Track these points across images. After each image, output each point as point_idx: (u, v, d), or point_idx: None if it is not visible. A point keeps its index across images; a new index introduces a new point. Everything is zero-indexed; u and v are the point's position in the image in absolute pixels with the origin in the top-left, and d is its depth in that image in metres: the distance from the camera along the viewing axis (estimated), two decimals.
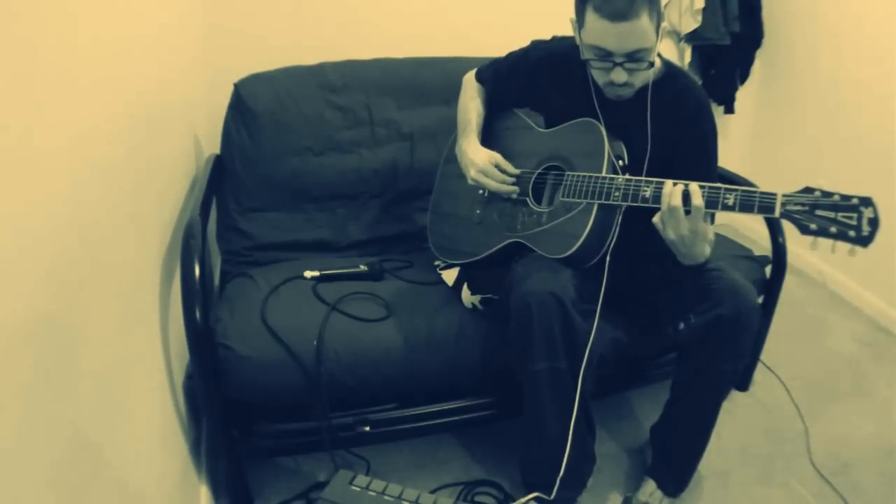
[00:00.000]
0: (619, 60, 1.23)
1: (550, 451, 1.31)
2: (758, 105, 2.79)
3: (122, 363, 1.00)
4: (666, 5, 2.43)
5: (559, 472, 1.30)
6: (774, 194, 1.09)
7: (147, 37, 1.32)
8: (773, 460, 1.67)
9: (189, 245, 1.26)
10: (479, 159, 1.47)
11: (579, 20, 1.25)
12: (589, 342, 1.27)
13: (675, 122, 1.34)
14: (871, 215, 1.02)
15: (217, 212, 1.74)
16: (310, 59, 1.85)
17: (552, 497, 1.30)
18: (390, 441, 1.63)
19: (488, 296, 1.47)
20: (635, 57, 1.22)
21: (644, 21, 1.17)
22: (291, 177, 1.75)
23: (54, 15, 0.82)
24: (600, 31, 1.20)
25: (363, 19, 2.09)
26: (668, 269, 1.34)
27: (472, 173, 1.47)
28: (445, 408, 1.52)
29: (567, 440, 1.29)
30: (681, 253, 1.28)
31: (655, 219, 1.23)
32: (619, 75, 1.24)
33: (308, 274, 1.55)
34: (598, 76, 1.30)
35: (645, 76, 1.28)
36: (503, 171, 1.45)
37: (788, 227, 1.13)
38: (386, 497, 1.04)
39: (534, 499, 1.33)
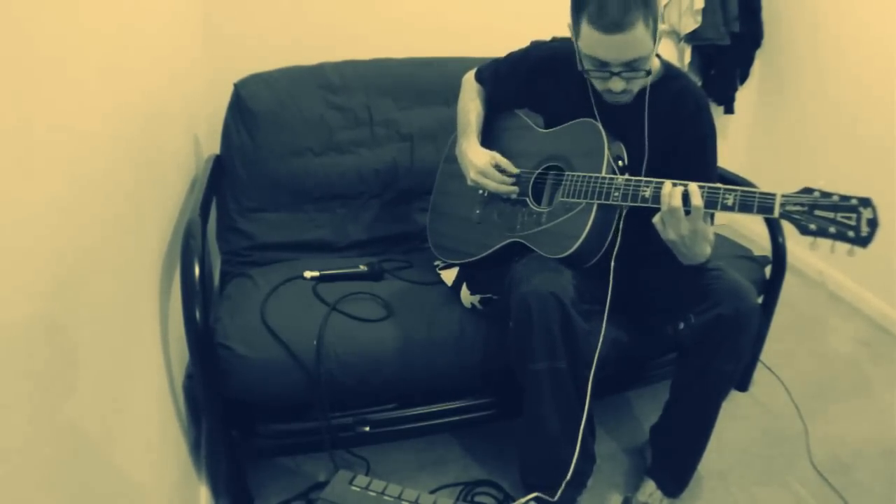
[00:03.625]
0: (616, 70, 1.22)
1: (550, 451, 1.31)
2: (757, 105, 2.79)
3: (122, 363, 1.00)
4: (666, 5, 2.44)
5: (559, 471, 1.30)
6: (773, 195, 1.09)
7: (147, 37, 1.32)
8: (773, 460, 1.67)
9: (189, 245, 1.26)
10: (478, 160, 1.47)
11: (575, 30, 1.24)
12: (598, 346, 1.27)
13: (674, 124, 1.34)
14: (870, 216, 1.02)
15: (217, 212, 1.74)
16: (310, 59, 1.85)
17: (556, 498, 1.30)
18: (390, 441, 1.63)
19: (487, 296, 1.47)
20: (632, 66, 1.22)
21: (639, 30, 1.16)
22: (291, 177, 1.75)
23: (54, 14, 0.82)
24: (596, 43, 1.19)
25: (363, 19, 2.09)
26: (667, 269, 1.34)
27: (471, 174, 1.47)
28: (445, 408, 1.52)
29: (568, 440, 1.30)
30: (681, 253, 1.28)
31: (655, 219, 1.23)
32: (617, 84, 1.24)
33: (308, 274, 1.55)
34: (597, 84, 1.30)
35: (643, 82, 1.28)
36: (503, 172, 1.45)
37: (788, 228, 1.13)
38: (386, 497, 1.04)
39: (534, 499, 1.33)
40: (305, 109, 1.77)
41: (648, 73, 1.23)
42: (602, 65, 1.23)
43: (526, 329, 1.26)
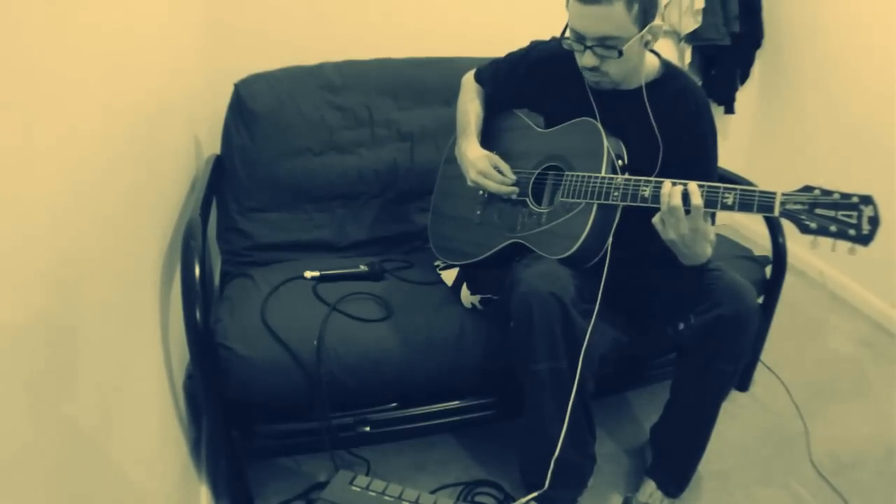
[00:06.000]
0: (589, 44, 1.25)
1: (551, 451, 1.31)
2: (758, 105, 2.79)
3: (122, 363, 1.00)
4: (666, 5, 2.43)
5: (560, 471, 1.30)
6: (774, 193, 1.09)
7: (147, 37, 1.32)
8: (773, 460, 1.67)
9: (189, 245, 1.26)
10: (478, 161, 1.47)
11: (566, 0, 1.27)
12: (585, 340, 1.27)
13: (675, 123, 1.34)
14: (872, 214, 1.02)
15: (217, 212, 1.74)
16: (310, 59, 1.85)
17: (545, 488, 1.30)
18: (390, 441, 1.63)
19: (487, 296, 1.47)
20: (605, 43, 1.23)
21: (617, 9, 1.18)
22: (291, 177, 1.75)
23: (54, 14, 0.82)
24: (574, 12, 1.24)
25: (363, 19, 2.09)
26: (667, 269, 1.34)
27: (471, 175, 1.47)
28: (445, 408, 1.52)
29: (570, 440, 1.29)
30: (681, 253, 1.28)
31: (655, 219, 1.23)
32: (588, 59, 1.27)
33: (308, 274, 1.55)
34: (577, 59, 1.32)
35: (620, 67, 1.28)
36: (502, 173, 1.45)
37: (789, 227, 1.13)
38: (386, 497, 1.04)
39: (534, 499, 1.33)
40: (305, 109, 1.77)
41: (620, 54, 1.24)
42: (579, 37, 1.26)
43: (526, 329, 1.25)
